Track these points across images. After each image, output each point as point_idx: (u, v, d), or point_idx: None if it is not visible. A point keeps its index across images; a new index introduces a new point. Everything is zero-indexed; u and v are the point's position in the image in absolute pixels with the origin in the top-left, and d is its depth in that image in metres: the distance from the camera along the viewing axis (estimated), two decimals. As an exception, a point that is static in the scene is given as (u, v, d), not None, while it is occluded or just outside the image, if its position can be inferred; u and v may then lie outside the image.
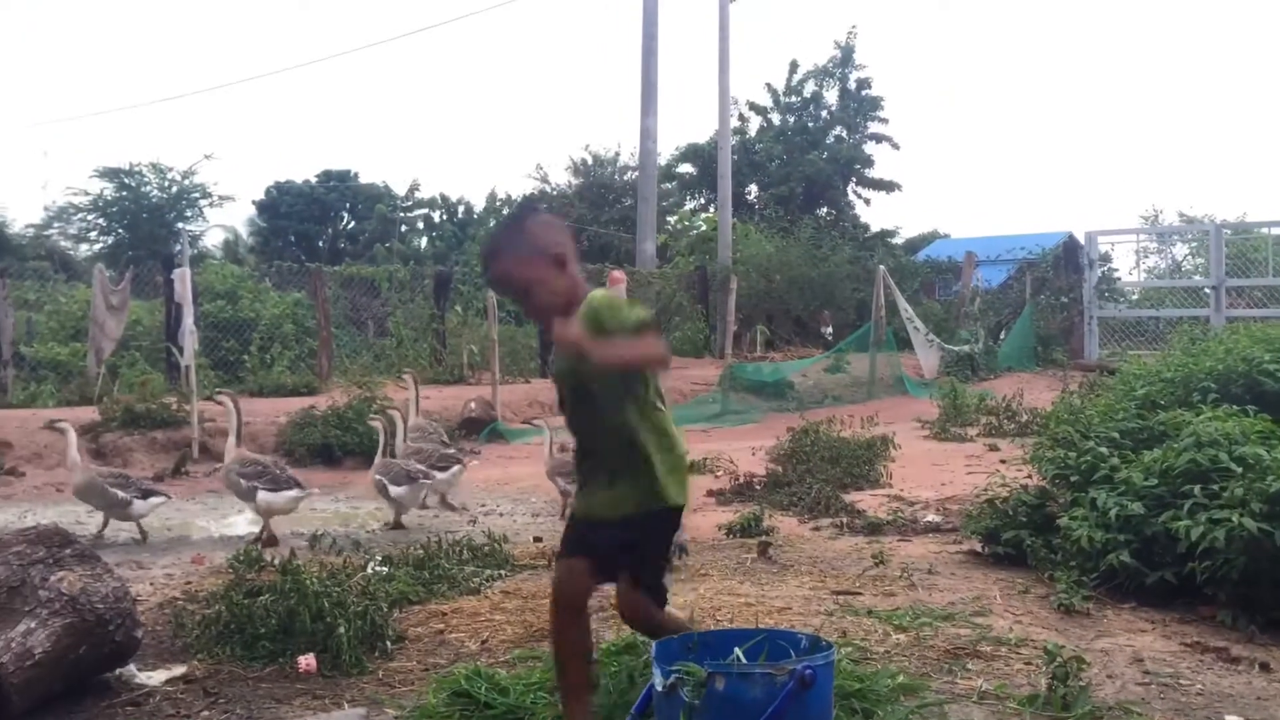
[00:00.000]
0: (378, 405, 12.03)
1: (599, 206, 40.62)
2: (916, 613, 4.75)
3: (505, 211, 42.59)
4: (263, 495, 7.20)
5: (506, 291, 3.42)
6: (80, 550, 4.03)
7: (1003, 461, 8.69)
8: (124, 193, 39.37)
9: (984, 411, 13.36)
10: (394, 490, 7.61)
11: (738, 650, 2.91)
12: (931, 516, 7.19)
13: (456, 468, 8.53)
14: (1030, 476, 6.50)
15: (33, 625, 3.63)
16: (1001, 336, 21.67)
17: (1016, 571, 5.61)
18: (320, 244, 43.45)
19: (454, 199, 44.62)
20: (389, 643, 4.35)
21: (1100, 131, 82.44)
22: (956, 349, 19.76)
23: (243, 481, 7.24)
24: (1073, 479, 5.68)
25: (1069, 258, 22.88)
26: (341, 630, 4.17)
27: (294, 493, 7.32)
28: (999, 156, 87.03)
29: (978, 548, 6.06)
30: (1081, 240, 21.58)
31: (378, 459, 8.01)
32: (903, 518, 7.19)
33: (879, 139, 38.55)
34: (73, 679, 3.76)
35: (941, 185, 74.53)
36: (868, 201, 38.64)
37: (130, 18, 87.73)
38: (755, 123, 38.46)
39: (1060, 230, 25.55)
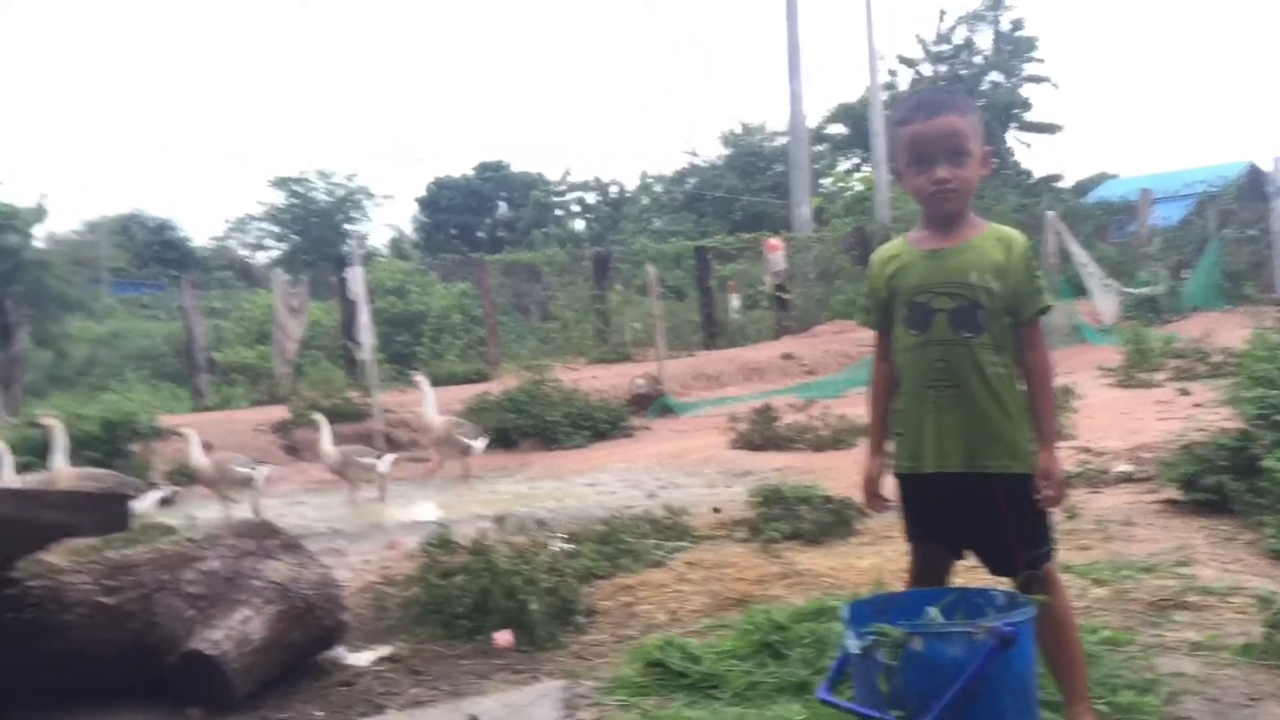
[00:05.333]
0: (548, 386, 12.31)
1: (750, 175, 40.38)
2: (1116, 565, 4.58)
3: (657, 190, 42.73)
4: None
5: (936, 145, 2.87)
6: (286, 540, 4.24)
7: (1196, 405, 8.31)
8: (295, 200, 41.14)
9: (1171, 355, 12.80)
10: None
11: (932, 610, 2.85)
12: (1123, 466, 6.90)
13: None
14: (1229, 419, 6.18)
15: (249, 613, 3.83)
16: (1184, 275, 20.64)
17: (1219, 518, 5.34)
18: (480, 234, 44.53)
19: (606, 180, 45.07)
20: (580, 617, 4.43)
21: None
22: (1137, 292, 18.92)
23: None
24: (1276, 418, 5.37)
25: (1253, 188, 21.60)
26: (534, 606, 4.26)
27: None
28: (1168, 88, 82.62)
29: (1176, 496, 5.79)
30: (1266, 168, 20.31)
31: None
32: (1092, 469, 6.92)
33: (1037, 80, 37.18)
34: (288, 663, 3.95)
35: (1107, 123, 71.28)
36: (1029, 146, 37.42)
37: (279, 34, 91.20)
38: (906, 76, 37.59)
39: (1240, 160, 24.03)
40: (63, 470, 7.72)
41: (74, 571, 3.80)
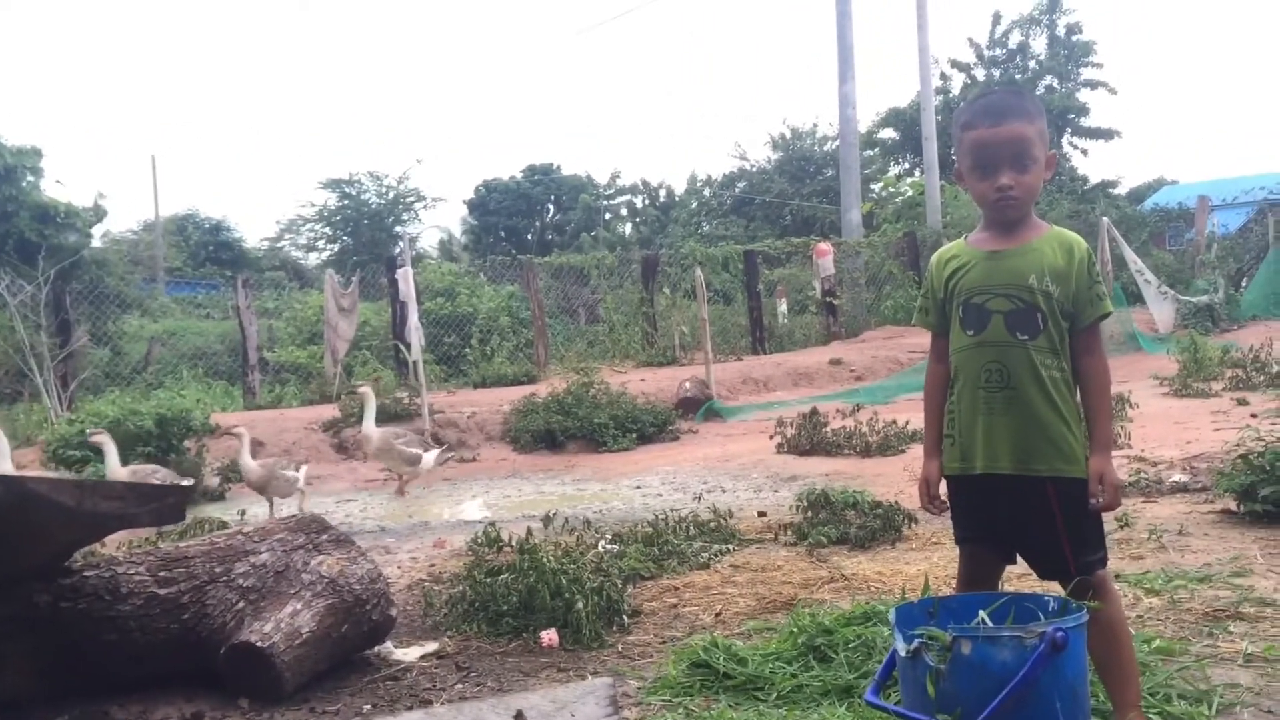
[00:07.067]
0: (595, 389, 12.34)
1: (799, 180, 40.22)
2: (1169, 575, 4.51)
3: (705, 193, 42.70)
4: None
5: (1000, 152, 2.84)
6: (336, 535, 4.28)
7: (1254, 415, 8.16)
8: (345, 201, 41.56)
9: (1229, 364, 12.59)
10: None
11: (983, 613, 2.82)
12: (1178, 476, 6.80)
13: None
14: (1287, 428, 6.07)
15: (298, 607, 3.87)
16: (1243, 284, 20.32)
17: (1277, 529, 5.25)
18: (529, 237, 44.73)
19: (655, 183, 45.11)
20: (625, 617, 4.43)
21: (1343, 55, 75.84)
22: (1194, 300, 18.65)
23: None
24: (1337, 429, 5.27)
25: (1315, 194, 21.20)
26: (579, 606, 4.28)
27: None
28: (1230, 92, 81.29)
29: (1232, 506, 5.70)
30: (1328, 174, 19.95)
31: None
32: (1146, 478, 6.83)
33: (1094, 85, 36.73)
34: (336, 657, 3.99)
35: (1166, 129, 70.29)
36: (1085, 152, 36.94)
37: (333, 37, 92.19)
38: (958, 80, 37.28)
39: (1302, 166, 23.67)
40: None
41: (129, 562, 3.86)
